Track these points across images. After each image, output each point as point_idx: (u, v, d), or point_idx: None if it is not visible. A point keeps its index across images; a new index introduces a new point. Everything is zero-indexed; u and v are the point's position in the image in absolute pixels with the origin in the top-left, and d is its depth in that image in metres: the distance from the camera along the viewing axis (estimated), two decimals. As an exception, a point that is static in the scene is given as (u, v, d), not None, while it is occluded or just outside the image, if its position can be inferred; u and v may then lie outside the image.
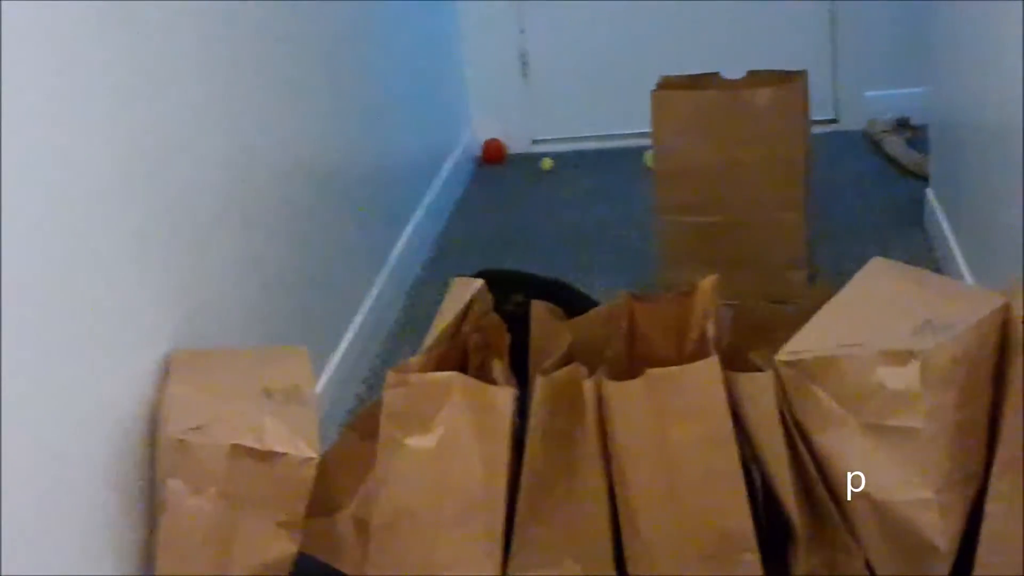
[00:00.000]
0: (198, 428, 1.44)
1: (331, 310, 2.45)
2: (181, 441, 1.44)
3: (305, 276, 2.30)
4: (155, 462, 1.52)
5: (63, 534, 1.39)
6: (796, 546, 1.58)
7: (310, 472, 1.46)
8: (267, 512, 1.46)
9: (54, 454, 1.38)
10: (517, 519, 1.56)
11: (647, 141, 2.87)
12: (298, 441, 1.46)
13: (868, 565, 1.55)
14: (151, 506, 1.55)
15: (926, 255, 2.86)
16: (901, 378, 1.47)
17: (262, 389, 1.54)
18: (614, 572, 1.58)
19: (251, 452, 1.44)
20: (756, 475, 1.61)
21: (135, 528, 1.52)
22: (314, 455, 1.46)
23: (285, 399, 1.53)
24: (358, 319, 2.58)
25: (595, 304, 1.92)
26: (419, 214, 3.28)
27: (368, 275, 2.78)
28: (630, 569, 1.59)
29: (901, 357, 1.47)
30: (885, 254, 1.74)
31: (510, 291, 1.94)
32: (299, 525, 1.48)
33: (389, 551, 1.57)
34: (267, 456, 1.45)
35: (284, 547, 1.47)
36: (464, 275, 1.88)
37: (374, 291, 2.74)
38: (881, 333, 1.53)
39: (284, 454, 1.45)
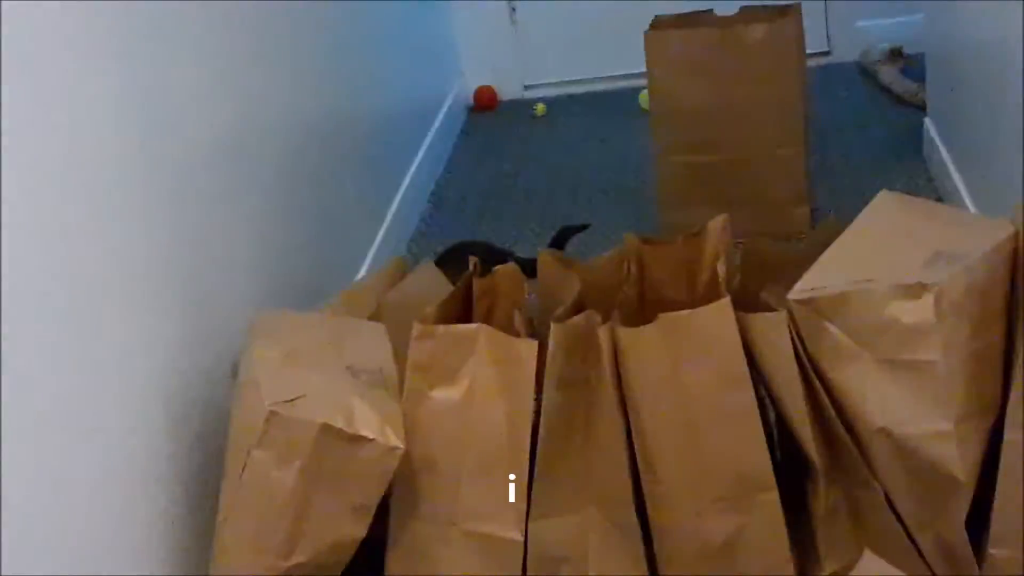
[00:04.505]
0: (290, 402, 1.43)
1: (334, 267, 2.45)
2: (273, 413, 1.42)
3: (307, 233, 2.29)
4: (234, 426, 1.52)
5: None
6: (814, 483, 1.58)
7: (393, 462, 1.45)
8: (344, 494, 1.45)
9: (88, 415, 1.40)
10: (537, 467, 1.56)
11: (641, 82, 2.85)
12: (387, 429, 1.45)
13: (888, 499, 1.55)
14: (200, 460, 1.59)
15: (926, 185, 2.86)
16: (915, 311, 1.46)
17: (346, 365, 1.53)
18: (634, 516, 1.59)
19: (339, 434, 1.43)
20: (771, 415, 1.61)
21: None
22: (401, 445, 1.45)
23: (371, 381, 1.52)
24: (361, 274, 2.57)
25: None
26: (415, 166, 3.26)
27: (369, 229, 2.77)
28: (650, 512, 1.59)
29: (914, 290, 1.46)
30: (885, 186, 1.72)
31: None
32: (371, 511, 1.48)
33: (411, 501, 1.57)
34: (354, 439, 1.43)
35: (354, 530, 1.47)
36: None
37: (375, 245, 2.74)
38: (892, 267, 1.52)
39: (372, 440, 1.44)
